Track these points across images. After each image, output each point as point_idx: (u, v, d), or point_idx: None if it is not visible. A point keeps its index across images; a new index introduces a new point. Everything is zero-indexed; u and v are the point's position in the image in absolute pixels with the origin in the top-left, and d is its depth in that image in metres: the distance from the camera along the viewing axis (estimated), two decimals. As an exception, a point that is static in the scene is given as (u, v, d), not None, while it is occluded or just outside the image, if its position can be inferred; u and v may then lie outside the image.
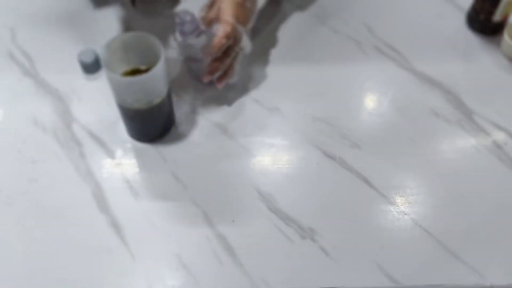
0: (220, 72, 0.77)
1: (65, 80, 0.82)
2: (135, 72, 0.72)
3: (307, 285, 0.65)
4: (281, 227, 0.69)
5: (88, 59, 0.81)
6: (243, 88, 0.82)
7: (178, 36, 0.74)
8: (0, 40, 0.87)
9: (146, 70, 0.67)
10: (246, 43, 0.78)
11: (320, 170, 0.74)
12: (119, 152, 0.75)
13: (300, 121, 0.79)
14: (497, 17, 0.86)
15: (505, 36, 0.86)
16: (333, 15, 0.92)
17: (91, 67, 0.82)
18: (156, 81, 0.69)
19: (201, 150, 0.76)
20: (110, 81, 0.67)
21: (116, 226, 0.68)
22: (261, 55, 0.86)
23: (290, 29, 0.90)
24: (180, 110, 0.79)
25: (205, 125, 0.78)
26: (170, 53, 0.83)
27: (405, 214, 0.70)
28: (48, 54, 0.85)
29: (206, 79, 0.76)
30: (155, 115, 0.74)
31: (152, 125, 0.75)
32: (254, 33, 0.85)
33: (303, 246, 0.67)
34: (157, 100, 0.70)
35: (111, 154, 0.75)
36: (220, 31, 0.74)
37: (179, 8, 0.89)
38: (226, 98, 0.81)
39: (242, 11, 0.77)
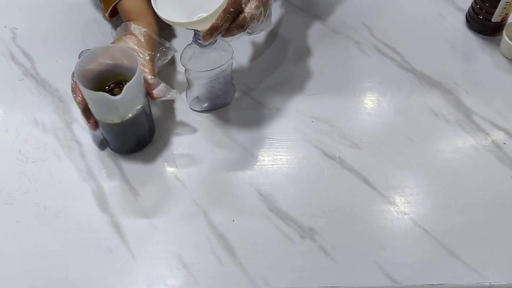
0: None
1: (66, 80, 0.82)
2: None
3: (307, 285, 0.65)
4: (281, 227, 0.69)
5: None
6: (243, 88, 0.82)
7: (193, 45, 0.70)
8: (0, 40, 0.87)
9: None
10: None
11: (320, 170, 0.74)
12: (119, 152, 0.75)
13: (300, 121, 0.79)
14: (496, 17, 0.87)
15: (504, 36, 0.86)
16: (333, 15, 0.92)
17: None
18: (127, 98, 0.66)
19: (201, 150, 0.76)
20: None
21: (116, 226, 0.68)
22: (261, 55, 0.86)
23: (290, 29, 0.90)
24: (180, 110, 0.79)
25: (205, 125, 0.78)
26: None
27: (405, 214, 0.70)
28: (48, 54, 0.85)
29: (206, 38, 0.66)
30: (128, 130, 0.71)
31: (125, 139, 0.73)
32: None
33: (303, 246, 0.67)
34: (129, 115, 0.68)
35: (111, 154, 0.75)
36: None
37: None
38: (226, 98, 0.81)
39: None
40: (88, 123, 0.71)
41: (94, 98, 0.66)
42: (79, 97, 0.69)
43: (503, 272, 0.66)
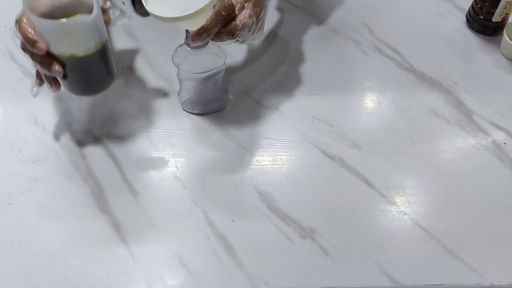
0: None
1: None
2: None
3: (307, 285, 0.65)
4: (281, 227, 0.69)
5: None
6: (242, 89, 0.82)
7: (185, 46, 0.70)
8: (0, 40, 0.87)
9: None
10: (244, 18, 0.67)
11: (320, 170, 0.74)
12: (119, 152, 0.75)
13: (300, 121, 0.79)
14: (496, 17, 0.87)
15: (505, 36, 0.86)
16: (333, 15, 0.92)
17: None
18: (79, 31, 0.63)
19: (201, 149, 0.76)
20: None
21: (116, 226, 0.68)
22: (261, 55, 0.86)
23: (290, 29, 0.90)
24: (180, 110, 0.79)
25: (205, 125, 0.78)
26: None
27: (405, 214, 0.70)
28: (48, 54, 0.85)
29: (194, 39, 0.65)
30: (98, 59, 0.68)
31: (95, 72, 0.70)
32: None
33: (303, 246, 0.67)
34: (79, 54, 0.65)
35: (111, 154, 0.75)
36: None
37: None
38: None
39: None
40: (53, 69, 0.64)
41: (68, 27, 0.61)
42: (39, 38, 0.62)
43: (503, 272, 0.66)
